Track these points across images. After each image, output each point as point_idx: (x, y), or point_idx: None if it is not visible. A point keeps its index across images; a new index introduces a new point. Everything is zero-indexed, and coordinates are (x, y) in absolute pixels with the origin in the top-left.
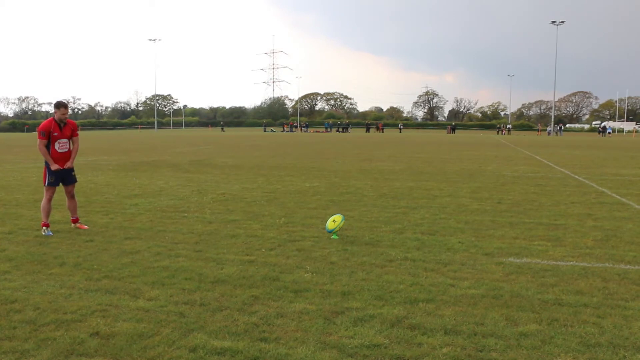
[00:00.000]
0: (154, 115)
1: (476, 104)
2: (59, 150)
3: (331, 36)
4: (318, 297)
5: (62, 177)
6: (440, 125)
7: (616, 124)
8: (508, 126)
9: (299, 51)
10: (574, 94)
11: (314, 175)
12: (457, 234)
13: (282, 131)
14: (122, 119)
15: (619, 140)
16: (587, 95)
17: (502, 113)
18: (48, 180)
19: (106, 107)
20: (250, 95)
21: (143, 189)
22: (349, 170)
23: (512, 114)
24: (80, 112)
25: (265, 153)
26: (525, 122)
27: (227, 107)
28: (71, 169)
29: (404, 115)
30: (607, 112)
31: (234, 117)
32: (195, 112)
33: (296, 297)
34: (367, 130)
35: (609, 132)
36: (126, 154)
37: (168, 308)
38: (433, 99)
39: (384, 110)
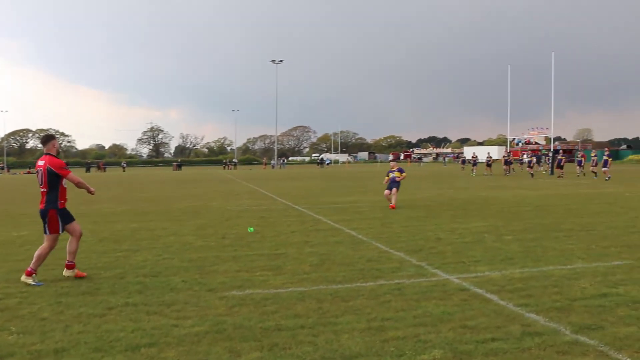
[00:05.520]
0: None
1: (202, 139)
2: None
3: (42, 66)
4: None
5: None
6: (166, 162)
7: (332, 156)
8: (234, 161)
9: (2, 82)
10: (295, 129)
11: (24, 223)
12: (180, 272)
13: None
14: None
15: (336, 170)
16: (306, 130)
17: (228, 148)
18: None
19: None
20: None
21: None
22: None
23: (238, 148)
24: None
25: None
26: (251, 156)
27: None
28: None
29: (128, 152)
30: (325, 145)
31: None
32: None
33: None
34: (88, 170)
35: (328, 164)
36: None
37: None
38: (158, 135)
39: (107, 147)
